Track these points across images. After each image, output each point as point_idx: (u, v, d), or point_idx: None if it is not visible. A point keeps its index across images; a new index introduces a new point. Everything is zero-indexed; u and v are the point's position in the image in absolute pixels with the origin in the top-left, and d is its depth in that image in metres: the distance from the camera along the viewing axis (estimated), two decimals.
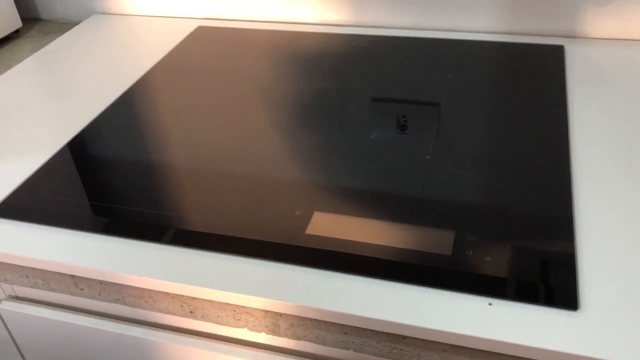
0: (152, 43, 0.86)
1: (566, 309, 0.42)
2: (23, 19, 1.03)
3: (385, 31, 0.84)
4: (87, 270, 0.50)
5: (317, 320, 0.46)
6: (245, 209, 0.53)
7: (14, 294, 0.59)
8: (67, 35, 0.91)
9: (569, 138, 0.60)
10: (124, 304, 0.52)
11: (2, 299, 0.59)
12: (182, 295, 0.49)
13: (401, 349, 0.45)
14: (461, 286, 0.45)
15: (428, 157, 0.58)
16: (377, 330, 0.44)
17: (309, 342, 0.48)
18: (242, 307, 0.47)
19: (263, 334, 0.50)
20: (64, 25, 1.01)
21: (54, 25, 1.01)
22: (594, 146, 0.58)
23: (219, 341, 0.52)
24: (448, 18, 0.82)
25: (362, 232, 0.50)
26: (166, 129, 0.66)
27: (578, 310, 0.42)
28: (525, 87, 0.68)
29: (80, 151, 0.63)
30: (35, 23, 1.03)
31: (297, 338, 0.47)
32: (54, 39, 0.94)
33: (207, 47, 0.83)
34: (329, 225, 0.51)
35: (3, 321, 0.59)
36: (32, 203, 0.56)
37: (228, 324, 0.49)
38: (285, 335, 0.48)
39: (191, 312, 0.49)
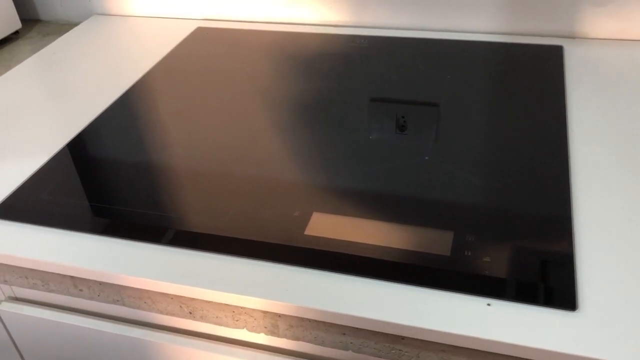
0: (152, 44, 0.86)
1: (564, 309, 0.42)
2: (22, 20, 1.03)
3: (384, 32, 0.84)
4: (86, 271, 0.50)
5: (316, 320, 0.46)
6: (244, 210, 0.53)
7: (13, 295, 0.59)
8: (66, 37, 0.91)
9: (568, 138, 0.60)
10: (124, 305, 0.52)
11: (2, 300, 0.59)
12: (181, 296, 0.49)
13: (400, 350, 0.45)
14: (460, 287, 0.45)
15: (427, 158, 0.58)
16: (375, 331, 0.45)
17: (307, 343, 0.48)
18: (241, 307, 0.47)
19: (262, 334, 0.50)
20: (64, 27, 1.01)
21: (54, 27, 1.01)
22: (592, 146, 0.58)
23: (218, 342, 0.52)
24: (447, 18, 0.82)
25: (361, 232, 0.50)
26: (165, 130, 0.66)
27: (576, 311, 0.42)
28: (524, 88, 0.68)
29: (80, 152, 0.64)
30: (34, 24, 1.03)
31: (296, 338, 0.48)
32: (54, 40, 0.94)
33: (206, 48, 0.84)
34: (328, 226, 0.51)
35: (2, 322, 0.59)
36: (31, 204, 0.56)
37: (227, 325, 0.49)
38: (284, 336, 0.48)
39: (190, 312, 0.50)
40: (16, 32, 0.98)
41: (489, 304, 0.43)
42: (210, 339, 0.53)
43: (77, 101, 0.73)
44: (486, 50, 0.77)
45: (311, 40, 0.83)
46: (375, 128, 0.64)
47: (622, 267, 0.45)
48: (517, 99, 0.66)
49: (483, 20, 0.81)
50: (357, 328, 0.45)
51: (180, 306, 0.49)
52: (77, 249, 0.51)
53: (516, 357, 0.42)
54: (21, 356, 0.62)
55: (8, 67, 0.87)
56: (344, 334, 0.46)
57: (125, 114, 0.70)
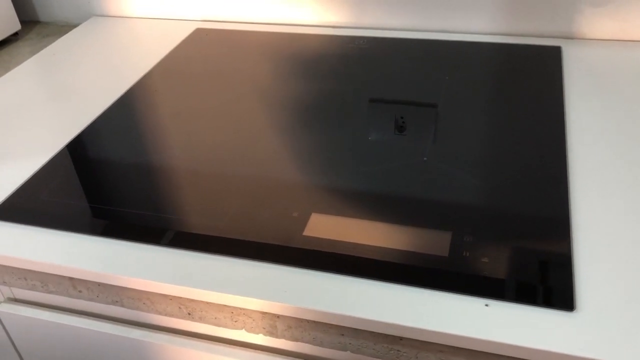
0: (151, 45, 0.86)
1: (563, 309, 0.43)
2: (22, 22, 1.03)
3: (383, 32, 0.84)
4: (85, 272, 0.50)
5: (314, 321, 0.46)
6: (243, 211, 0.53)
7: (12, 297, 0.59)
8: (65, 38, 0.91)
9: (566, 139, 0.60)
10: (122, 306, 0.52)
11: (1, 301, 0.59)
12: (180, 297, 0.49)
13: (398, 350, 0.45)
14: (458, 287, 0.45)
15: (425, 159, 0.59)
16: (374, 332, 0.45)
17: (306, 344, 0.48)
18: (240, 308, 0.47)
19: (261, 335, 0.50)
20: (63, 28, 1.01)
21: (53, 28, 1.02)
22: (591, 147, 0.58)
23: (216, 343, 0.52)
24: (445, 19, 0.82)
25: (360, 233, 0.50)
26: (164, 131, 0.66)
27: (574, 311, 0.42)
28: (523, 88, 0.68)
29: (79, 153, 0.64)
30: (34, 25, 1.03)
31: (295, 339, 0.48)
32: (53, 41, 0.94)
33: (205, 49, 0.84)
34: (327, 226, 0.51)
35: (2, 323, 0.59)
36: (30, 205, 0.56)
37: (226, 326, 0.49)
38: (283, 337, 0.48)
39: (189, 313, 0.50)
40: (15, 34, 0.98)
41: (487, 305, 0.43)
42: (209, 339, 0.53)
43: (76, 102, 0.73)
44: (485, 51, 0.77)
45: (310, 41, 0.83)
46: (374, 129, 0.64)
47: (620, 268, 0.46)
48: (515, 99, 0.67)
49: (482, 21, 0.81)
50: (355, 329, 0.45)
51: (179, 307, 0.50)
52: (76, 250, 0.51)
53: (514, 358, 0.42)
54: (20, 357, 0.62)
55: (7, 69, 0.87)
56: (343, 334, 0.46)
57: (125, 115, 0.70)
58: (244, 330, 0.49)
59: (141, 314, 0.54)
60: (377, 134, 0.63)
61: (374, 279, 0.46)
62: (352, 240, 0.49)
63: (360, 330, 0.45)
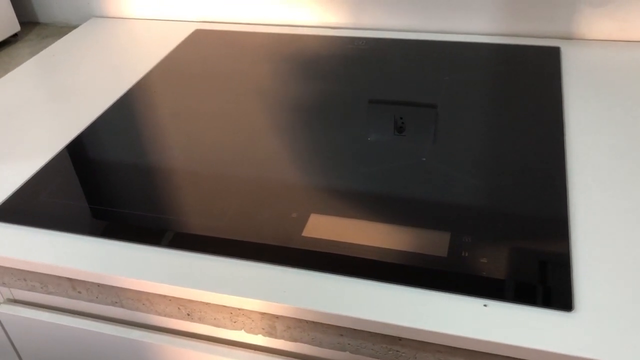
0: (150, 46, 0.86)
1: (561, 310, 0.43)
2: (21, 23, 1.03)
3: (382, 33, 0.84)
4: (84, 273, 0.50)
5: (313, 322, 0.46)
6: (242, 212, 0.54)
7: (12, 297, 0.59)
8: (65, 39, 0.91)
9: (565, 139, 0.60)
10: (122, 306, 0.52)
11: (1, 303, 0.59)
12: (179, 298, 0.49)
13: (397, 351, 0.45)
14: (457, 287, 0.45)
15: (424, 159, 0.59)
16: (373, 332, 0.45)
17: (305, 344, 0.48)
18: (239, 309, 0.48)
19: (260, 336, 0.50)
20: (62, 29, 1.01)
21: (52, 29, 1.02)
22: (589, 147, 0.58)
23: (216, 343, 0.52)
24: (445, 20, 0.82)
25: (358, 234, 0.50)
26: (164, 132, 0.66)
27: (573, 311, 0.42)
28: (522, 89, 0.69)
29: (79, 154, 0.64)
30: (33, 27, 1.03)
31: (294, 340, 0.48)
32: (53, 42, 0.94)
33: (204, 50, 0.84)
34: (326, 227, 0.51)
35: (1, 324, 0.59)
36: (30, 206, 0.56)
37: (225, 326, 0.49)
38: (282, 337, 0.48)
39: (188, 314, 0.50)
40: (15, 35, 0.98)
41: (485, 305, 0.43)
42: (208, 340, 0.53)
43: (76, 103, 0.73)
44: (484, 52, 0.77)
45: (309, 42, 0.84)
46: (374, 129, 0.64)
47: (618, 268, 0.46)
48: (514, 100, 0.67)
49: (481, 21, 0.81)
50: (354, 329, 0.45)
51: (179, 308, 0.50)
52: (75, 251, 0.51)
53: (513, 358, 0.42)
54: (20, 358, 0.62)
55: (7, 70, 0.87)
56: (342, 335, 0.46)
57: (124, 116, 0.70)
58: (243, 330, 0.49)
59: (140, 315, 0.54)
60: (377, 134, 0.63)
61: (373, 280, 0.46)
62: (351, 241, 0.49)
63: (359, 330, 0.45)
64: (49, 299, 0.57)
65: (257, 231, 0.51)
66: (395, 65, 0.76)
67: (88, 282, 0.51)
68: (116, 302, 0.52)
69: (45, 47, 0.94)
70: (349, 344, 0.46)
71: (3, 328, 0.59)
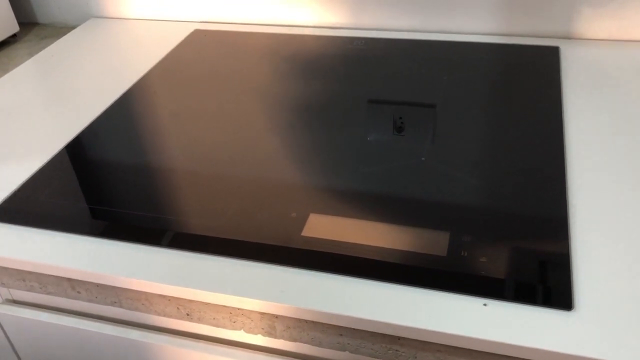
0: (149, 46, 0.86)
1: (561, 309, 0.43)
2: (20, 24, 1.03)
3: (381, 33, 0.84)
4: (84, 273, 0.50)
5: (313, 322, 0.46)
6: (242, 212, 0.53)
7: (11, 298, 0.59)
8: (64, 39, 0.91)
9: (564, 139, 0.60)
10: (121, 306, 0.52)
11: (0, 303, 0.59)
12: (179, 298, 0.49)
13: (397, 350, 0.45)
14: (456, 287, 0.45)
15: (423, 159, 0.59)
16: (372, 332, 0.45)
17: (305, 344, 0.48)
18: (238, 309, 0.48)
19: (259, 336, 0.50)
20: (61, 30, 1.01)
21: (51, 30, 1.02)
22: (589, 147, 0.58)
23: (215, 343, 0.52)
24: (444, 20, 0.82)
25: (358, 233, 0.50)
26: (163, 132, 0.66)
27: (572, 310, 0.42)
28: (521, 89, 0.69)
29: (78, 154, 0.64)
30: (32, 27, 1.03)
31: (293, 340, 0.48)
32: (51, 43, 0.94)
33: (203, 50, 0.84)
34: (325, 227, 0.51)
35: (0, 325, 0.59)
36: (29, 206, 0.56)
37: (224, 326, 0.49)
38: (282, 337, 0.48)
39: (187, 314, 0.50)
40: (14, 35, 0.98)
41: (485, 304, 0.43)
42: (207, 340, 0.53)
43: (75, 104, 0.73)
44: (483, 52, 0.77)
45: (309, 42, 0.83)
46: (373, 129, 0.64)
47: (618, 267, 0.46)
48: (513, 99, 0.67)
49: (480, 21, 0.81)
50: (354, 329, 0.45)
51: (178, 308, 0.50)
52: (74, 251, 0.51)
53: (512, 357, 0.42)
54: (19, 358, 0.62)
55: (6, 70, 0.87)
56: (341, 334, 0.46)
57: (123, 117, 0.70)
58: (242, 330, 0.49)
59: (140, 315, 0.54)
60: (376, 134, 0.63)
61: (373, 279, 0.46)
62: (350, 241, 0.49)
63: (358, 330, 0.45)
64: (48, 299, 0.57)
65: (256, 231, 0.51)
66: (395, 65, 0.76)
67: (87, 282, 0.51)
68: (115, 302, 0.52)
69: (44, 47, 0.94)
70: (348, 343, 0.46)
71: (2, 328, 0.59)
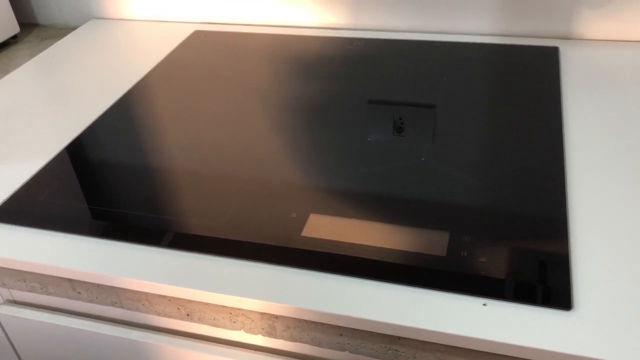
0: (149, 47, 0.86)
1: (560, 309, 0.43)
2: (21, 25, 1.04)
3: (381, 34, 0.85)
4: (84, 274, 0.50)
5: (313, 322, 0.46)
6: (242, 212, 0.54)
7: (11, 298, 0.59)
8: (64, 40, 0.91)
9: (564, 139, 0.60)
10: (121, 307, 0.52)
11: (0, 304, 0.59)
12: (179, 298, 0.49)
13: (396, 350, 0.45)
14: (456, 287, 0.45)
15: (423, 159, 0.59)
16: (372, 332, 0.45)
17: (305, 344, 0.48)
18: (239, 309, 0.48)
19: (259, 336, 0.50)
20: (62, 31, 1.01)
21: (52, 31, 1.02)
22: (588, 147, 0.59)
23: (215, 343, 0.52)
24: (443, 20, 0.82)
25: (358, 234, 0.50)
26: (163, 133, 0.66)
27: (572, 310, 0.43)
28: (521, 89, 0.69)
29: (78, 155, 0.64)
30: (33, 28, 1.03)
31: (293, 340, 0.48)
32: (52, 44, 0.94)
33: (203, 51, 0.84)
34: (325, 227, 0.51)
35: (1, 325, 0.59)
36: (29, 207, 0.57)
37: (224, 327, 0.49)
38: (282, 337, 0.48)
39: (188, 314, 0.50)
40: (14, 37, 0.98)
41: (485, 304, 0.43)
42: (207, 340, 0.53)
43: (75, 104, 0.74)
44: (482, 52, 0.78)
45: (309, 42, 0.84)
46: (373, 130, 0.64)
47: (617, 267, 0.46)
48: (513, 100, 0.67)
49: (479, 22, 0.81)
50: (354, 329, 0.45)
51: (178, 308, 0.50)
52: (75, 252, 0.51)
53: (512, 357, 0.42)
54: (20, 359, 0.62)
55: (6, 71, 0.88)
56: (341, 334, 0.46)
57: (124, 117, 0.70)
58: (242, 330, 0.49)
59: (140, 315, 0.54)
60: (376, 134, 0.63)
61: (372, 279, 0.46)
62: (350, 241, 0.49)
63: (358, 330, 0.45)
64: (48, 300, 0.57)
65: (256, 231, 0.51)
66: (394, 65, 0.76)
67: (88, 282, 0.51)
68: (116, 303, 0.52)
69: (44, 48, 0.94)
70: (348, 343, 0.46)
71: (3, 329, 0.59)
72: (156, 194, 0.57)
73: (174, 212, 0.54)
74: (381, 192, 0.55)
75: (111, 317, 0.56)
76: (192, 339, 0.53)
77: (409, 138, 0.62)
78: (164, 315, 0.51)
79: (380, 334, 0.45)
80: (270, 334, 0.48)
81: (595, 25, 0.77)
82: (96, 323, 0.55)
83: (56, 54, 0.87)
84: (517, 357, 0.42)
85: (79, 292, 0.53)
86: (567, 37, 0.79)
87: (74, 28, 1.01)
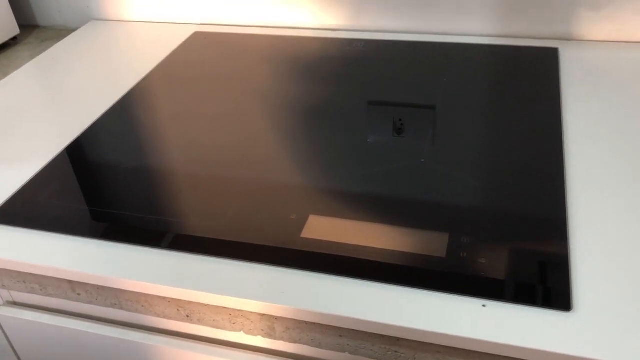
0: (149, 49, 0.86)
1: (560, 309, 0.43)
2: (21, 26, 1.04)
3: (381, 35, 0.85)
4: (84, 275, 0.50)
5: (312, 323, 0.46)
6: (241, 213, 0.54)
7: (11, 300, 0.59)
8: (64, 42, 0.91)
9: (563, 140, 0.60)
10: (121, 308, 0.52)
11: (0, 305, 0.59)
12: (179, 300, 0.49)
13: (396, 351, 0.45)
14: (455, 288, 0.45)
15: (423, 160, 0.59)
16: (372, 333, 0.45)
17: (304, 345, 0.48)
18: (238, 310, 0.48)
19: (259, 337, 0.50)
20: (62, 32, 1.01)
21: (52, 32, 1.02)
22: (588, 148, 0.59)
23: (215, 345, 0.52)
24: (443, 22, 0.82)
25: (357, 235, 0.50)
26: (163, 134, 0.66)
27: (571, 311, 0.43)
28: (520, 90, 0.69)
29: (78, 156, 0.64)
30: (33, 30, 1.03)
31: (293, 341, 0.48)
32: (52, 45, 0.94)
33: (203, 52, 0.84)
34: (324, 228, 0.51)
35: (1, 327, 0.59)
36: (29, 209, 0.57)
37: (224, 328, 0.49)
38: (281, 339, 0.48)
39: (187, 316, 0.50)
40: (14, 38, 0.98)
41: (484, 305, 0.43)
42: (207, 342, 0.53)
43: (75, 106, 0.74)
44: (482, 53, 0.78)
45: (308, 44, 0.84)
46: (373, 131, 0.64)
47: (617, 268, 0.46)
48: (513, 101, 0.67)
49: (479, 23, 0.81)
50: (353, 330, 0.45)
51: (178, 309, 0.50)
52: (75, 253, 0.51)
53: (512, 358, 0.42)
54: None
55: (6, 73, 0.88)
56: (341, 336, 0.46)
57: (123, 118, 0.70)
58: (242, 332, 0.49)
59: (140, 317, 0.54)
60: (376, 135, 0.63)
61: (372, 281, 0.46)
62: (349, 242, 0.49)
63: (358, 331, 0.45)
64: (48, 301, 0.57)
65: (256, 232, 0.51)
66: (394, 66, 0.76)
67: (87, 284, 0.51)
68: (115, 304, 0.52)
69: (44, 50, 0.94)
70: (348, 344, 0.46)
71: (3, 330, 0.59)
72: (156, 196, 0.57)
73: (173, 213, 0.54)
74: (381, 193, 0.55)
75: (111, 318, 0.56)
76: (191, 340, 0.53)
77: (408, 139, 0.62)
78: (164, 317, 0.51)
79: (379, 335, 0.45)
80: (270, 335, 0.48)
81: (595, 27, 0.77)
82: (96, 324, 0.55)
83: (56, 56, 0.87)
84: (517, 358, 0.42)
85: (79, 294, 0.53)
86: (566, 38, 0.79)
87: (74, 29, 1.02)
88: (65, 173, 0.61)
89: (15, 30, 0.97)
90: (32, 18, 1.04)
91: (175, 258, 0.50)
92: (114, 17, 0.97)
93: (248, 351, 0.51)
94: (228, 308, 0.48)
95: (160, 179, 0.59)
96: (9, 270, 0.54)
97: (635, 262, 0.46)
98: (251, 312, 0.47)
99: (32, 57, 0.92)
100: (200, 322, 0.50)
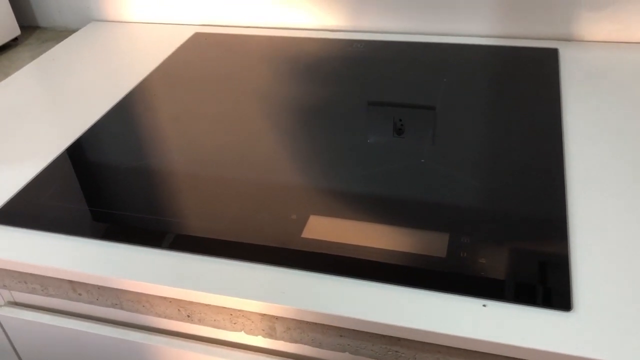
0: (150, 49, 0.87)
1: (560, 309, 0.43)
2: (21, 27, 1.04)
3: (381, 36, 0.85)
4: (85, 275, 0.50)
5: (313, 323, 0.46)
6: (242, 213, 0.54)
7: (12, 300, 0.59)
8: (65, 43, 0.91)
9: (563, 140, 0.60)
10: (122, 308, 0.52)
11: (1, 305, 0.59)
12: (179, 300, 0.49)
13: (397, 351, 0.45)
14: (456, 288, 0.45)
15: (423, 161, 0.59)
16: (372, 333, 0.45)
17: (305, 345, 0.48)
18: (239, 310, 0.48)
19: (260, 337, 0.50)
20: (62, 33, 1.01)
21: (52, 33, 1.02)
22: (588, 148, 0.59)
23: (216, 345, 0.52)
24: (443, 22, 0.82)
25: (358, 235, 0.50)
26: (164, 135, 0.66)
27: (572, 311, 0.43)
28: (520, 90, 0.69)
29: (79, 157, 0.64)
30: (33, 31, 1.03)
31: (294, 341, 0.48)
32: (52, 46, 0.94)
33: (204, 53, 0.84)
34: (325, 228, 0.51)
35: (2, 327, 0.59)
36: (30, 209, 0.57)
37: (225, 328, 0.49)
38: (282, 339, 0.48)
39: (188, 316, 0.50)
40: (15, 39, 0.98)
41: (484, 305, 0.43)
42: (208, 342, 0.53)
43: (76, 106, 0.74)
44: (482, 54, 0.78)
45: (308, 44, 0.84)
46: (373, 131, 0.64)
47: (617, 268, 0.46)
48: (513, 101, 0.67)
49: (479, 23, 0.81)
50: (354, 330, 0.45)
51: (178, 309, 0.50)
52: (75, 254, 0.51)
53: (512, 358, 0.42)
54: None
55: (7, 74, 0.88)
56: (342, 336, 0.46)
57: (124, 119, 0.70)
58: (243, 332, 0.49)
59: (140, 317, 0.54)
60: (376, 136, 0.63)
61: (372, 281, 0.46)
62: (350, 242, 0.50)
63: (359, 331, 0.45)
64: (49, 302, 0.57)
65: (256, 233, 0.51)
66: (394, 67, 0.76)
67: (88, 284, 0.51)
68: (116, 304, 0.52)
69: (45, 50, 0.94)
70: (348, 344, 0.46)
71: (4, 330, 0.59)
72: (156, 196, 0.57)
73: (174, 213, 0.54)
74: (381, 194, 0.55)
75: (112, 318, 0.56)
76: (192, 340, 0.53)
77: (408, 139, 0.62)
78: (165, 317, 0.51)
79: (380, 335, 0.45)
80: (271, 335, 0.48)
81: (595, 27, 0.77)
82: (97, 325, 0.55)
83: (57, 57, 0.87)
84: (517, 358, 0.42)
85: (80, 294, 0.53)
86: (566, 39, 0.79)
87: (74, 30, 1.02)
88: (66, 173, 0.61)
89: (16, 31, 0.97)
90: (33, 19, 1.04)
91: (175, 258, 0.50)
92: (114, 18, 0.97)
93: (249, 351, 0.52)
94: (229, 308, 0.48)
95: (160, 179, 0.59)
96: (10, 271, 0.54)
97: (635, 262, 0.46)
98: (252, 312, 0.47)
99: (33, 57, 0.92)
100: (201, 322, 0.50)
